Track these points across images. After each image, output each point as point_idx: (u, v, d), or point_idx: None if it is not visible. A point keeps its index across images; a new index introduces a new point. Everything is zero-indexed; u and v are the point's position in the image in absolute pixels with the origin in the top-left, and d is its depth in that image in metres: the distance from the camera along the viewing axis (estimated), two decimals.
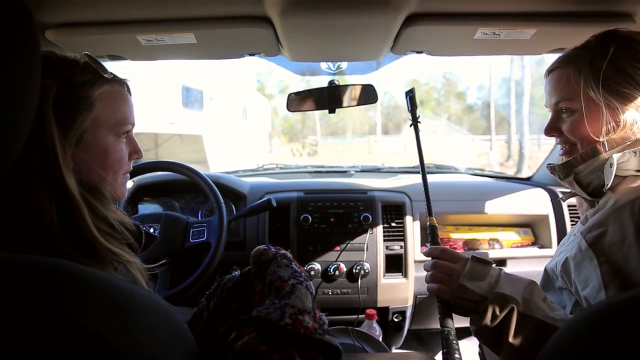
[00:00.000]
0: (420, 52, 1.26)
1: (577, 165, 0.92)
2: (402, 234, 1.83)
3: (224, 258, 1.43)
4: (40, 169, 0.68)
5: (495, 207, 1.93)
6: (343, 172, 2.45)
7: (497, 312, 0.83)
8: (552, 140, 1.01)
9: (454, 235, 1.91)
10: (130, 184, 1.75)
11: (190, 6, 0.98)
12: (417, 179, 2.15)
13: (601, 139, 0.88)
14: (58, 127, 0.70)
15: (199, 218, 1.87)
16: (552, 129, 0.98)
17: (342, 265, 1.73)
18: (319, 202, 1.83)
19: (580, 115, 0.90)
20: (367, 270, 1.73)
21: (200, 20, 1.03)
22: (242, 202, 1.93)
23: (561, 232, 1.87)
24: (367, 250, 1.77)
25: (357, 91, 1.53)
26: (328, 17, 0.99)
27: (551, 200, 1.93)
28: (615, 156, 0.85)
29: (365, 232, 1.79)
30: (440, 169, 2.56)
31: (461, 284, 0.87)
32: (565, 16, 1.03)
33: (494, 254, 1.86)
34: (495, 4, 0.99)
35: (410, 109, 1.25)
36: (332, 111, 1.54)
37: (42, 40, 1.06)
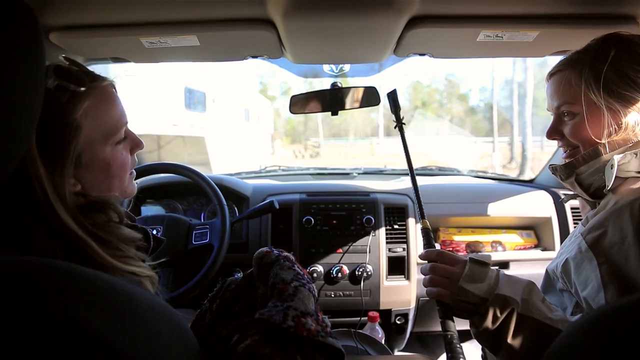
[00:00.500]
0: (423, 55, 1.26)
1: (578, 167, 0.92)
2: (404, 236, 1.82)
3: (226, 260, 1.43)
4: (35, 214, 0.65)
5: (498, 210, 1.93)
6: (345, 174, 2.44)
7: (498, 314, 0.83)
8: (555, 142, 1.01)
9: (456, 238, 1.91)
10: None
11: (194, 9, 0.98)
12: (420, 180, 2.12)
13: (603, 141, 0.88)
14: (47, 164, 0.67)
15: (202, 220, 1.87)
16: (553, 133, 0.98)
17: (345, 268, 1.73)
18: (321, 204, 1.83)
19: (582, 119, 0.90)
20: (369, 273, 1.73)
21: (203, 22, 1.04)
22: (245, 204, 1.93)
23: (564, 235, 1.87)
24: (369, 252, 1.77)
25: (359, 93, 1.53)
26: (331, 20, 0.99)
27: (554, 203, 1.92)
28: (616, 157, 0.85)
29: (368, 234, 1.79)
30: (442, 171, 2.55)
31: (461, 287, 0.87)
32: (568, 19, 1.03)
33: (496, 256, 1.85)
34: (498, 6, 0.99)
35: (393, 110, 1.24)
36: (334, 113, 1.54)
37: (46, 43, 1.06)
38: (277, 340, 0.61)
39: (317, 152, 24.55)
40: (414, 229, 1.84)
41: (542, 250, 1.91)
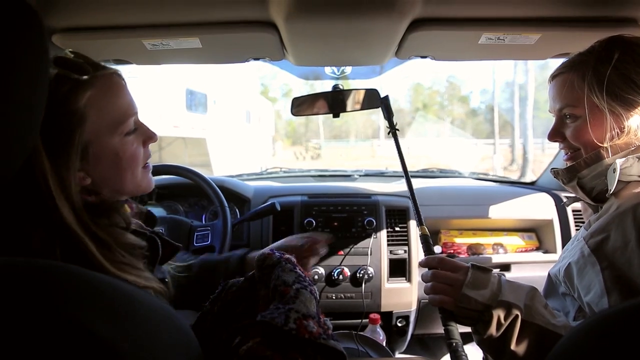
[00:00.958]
0: (425, 57, 1.26)
1: (580, 170, 0.92)
2: (406, 238, 1.82)
3: None
4: (37, 210, 0.65)
5: (499, 212, 1.92)
6: (347, 176, 2.44)
7: (502, 320, 0.82)
8: (556, 145, 1.01)
9: (458, 240, 1.91)
10: None
11: (196, 11, 0.98)
12: (421, 183, 2.14)
13: (605, 145, 0.88)
14: (51, 157, 0.66)
15: (203, 222, 1.87)
16: (555, 135, 0.98)
17: (346, 270, 1.73)
18: (322, 206, 1.83)
19: (584, 121, 0.90)
20: (370, 275, 1.73)
21: (205, 25, 1.04)
22: (246, 206, 1.93)
23: (566, 237, 1.86)
24: (371, 254, 1.76)
25: (360, 95, 1.53)
26: (333, 22, 1.00)
27: (555, 205, 1.92)
28: (619, 161, 0.84)
29: (369, 236, 1.79)
30: (443, 174, 2.55)
31: (464, 294, 0.86)
32: (570, 21, 1.03)
33: (498, 258, 1.85)
34: (500, 9, 0.99)
35: (386, 116, 1.25)
36: (336, 115, 1.54)
37: (49, 45, 1.07)
38: (279, 343, 0.61)
39: (318, 154, 24.56)
40: (415, 231, 1.83)
41: (544, 252, 1.90)
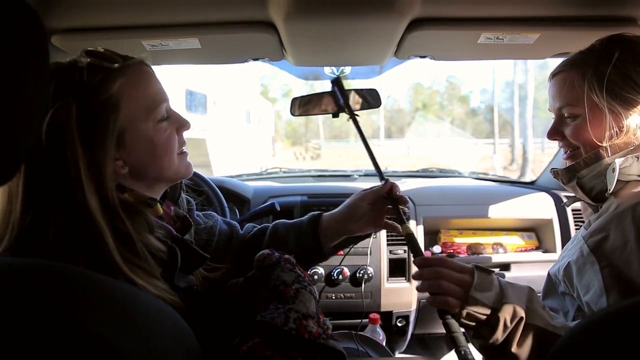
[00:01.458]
0: (424, 57, 1.26)
1: (580, 170, 0.92)
2: None
3: None
4: (62, 195, 0.66)
5: (499, 211, 1.92)
6: (346, 176, 2.44)
7: (508, 323, 0.79)
8: (556, 144, 1.01)
9: (457, 240, 1.91)
10: None
11: (195, 11, 0.99)
12: (420, 183, 2.14)
13: (604, 144, 0.88)
14: (85, 144, 0.68)
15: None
16: (554, 133, 0.98)
17: (346, 270, 1.73)
18: (322, 206, 1.83)
19: (584, 120, 0.89)
20: (370, 275, 1.73)
21: (204, 25, 1.04)
22: (246, 206, 1.92)
23: (565, 237, 1.87)
24: (370, 254, 1.76)
25: (360, 95, 1.53)
26: (332, 22, 1.00)
27: (555, 205, 1.92)
28: (618, 161, 0.84)
29: (369, 236, 1.78)
30: (443, 173, 2.55)
31: (472, 297, 0.80)
32: (569, 21, 1.03)
33: (497, 258, 1.85)
34: (499, 8, 0.99)
35: (342, 101, 1.20)
36: (335, 115, 1.54)
37: (48, 45, 1.07)
38: (279, 343, 0.61)
39: (318, 154, 24.56)
40: (415, 231, 1.83)
41: (543, 252, 1.90)
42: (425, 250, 1.85)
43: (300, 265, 0.83)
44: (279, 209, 1.59)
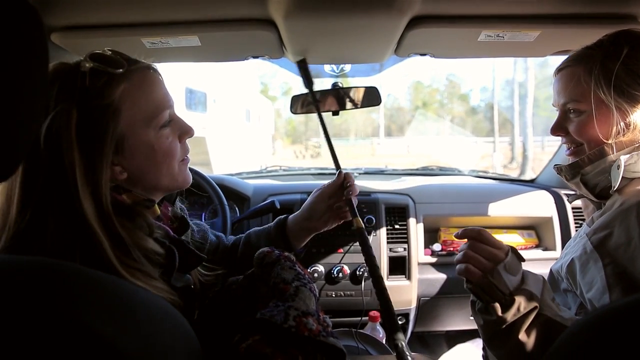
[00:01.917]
0: (424, 55, 1.26)
1: (584, 167, 0.91)
2: (405, 236, 1.82)
3: None
4: (58, 200, 0.66)
5: (499, 210, 1.93)
6: None
7: (521, 309, 0.80)
8: (556, 142, 1.01)
9: None
10: None
11: (195, 9, 0.98)
12: (420, 181, 2.14)
13: (610, 142, 0.87)
14: (83, 149, 0.67)
15: (203, 220, 1.87)
16: (558, 129, 0.97)
17: (346, 268, 1.73)
18: None
19: (589, 117, 0.89)
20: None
21: (204, 22, 1.04)
22: (246, 204, 1.93)
23: (565, 235, 1.87)
24: None
25: (360, 93, 1.53)
26: (332, 20, 0.99)
27: (555, 203, 1.92)
28: (623, 158, 0.84)
29: (369, 234, 1.79)
30: (443, 171, 2.55)
31: (498, 271, 0.81)
32: (570, 18, 1.03)
33: None
34: (499, 6, 0.99)
35: (306, 84, 1.15)
36: (335, 113, 1.54)
37: (47, 43, 1.06)
38: (279, 340, 0.61)
39: (317, 152, 24.50)
40: (415, 228, 1.84)
41: (543, 250, 1.90)
42: (425, 248, 1.85)
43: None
44: (279, 206, 1.59)
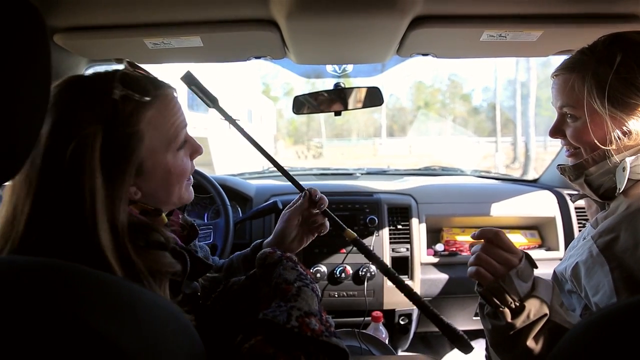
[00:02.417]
0: (426, 55, 1.26)
1: (588, 168, 0.90)
2: (408, 236, 1.82)
3: None
4: (72, 225, 0.64)
5: (502, 210, 1.92)
6: (349, 175, 2.44)
7: (531, 316, 0.79)
8: (558, 142, 1.00)
9: (459, 238, 1.90)
10: None
11: (197, 10, 0.99)
12: (423, 181, 2.14)
13: (607, 147, 0.86)
14: (106, 174, 0.66)
15: (205, 220, 1.87)
16: (556, 132, 0.97)
17: (348, 268, 1.73)
18: None
19: (584, 123, 0.88)
20: (373, 273, 1.73)
21: (206, 23, 1.04)
22: (248, 204, 1.93)
23: (568, 235, 1.86)
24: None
25: (362, 93, 1.53)
26: (334, 20, 0.99)
27: (558, 203, 1.92)
28: (629, 160, 0.83)
29: (371, 234, 1.79)
30: (446, 171, 2.55)
31: (510, 277, 0.80)
32: (572, 18, 1.03)
33: None
34: (501, 6, 0.99)
35: (201, 95, 1.07)
36: (337, 114, 1.54)
37: (50, 44, 1.07)
38: (281, 341, 0.61)
39: (319, 153, 24.49)
40: (417, 229, 1.84)
41: (546, 250, 1.90)
42: (427, 248, 1.85)
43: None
44: (281, 207, 1.59)
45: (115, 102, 0.68)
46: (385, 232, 1.81)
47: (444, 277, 1.81)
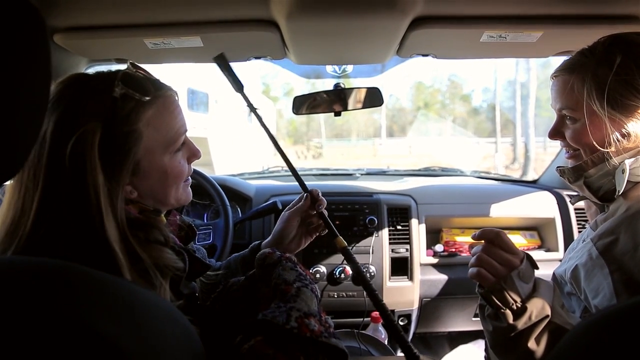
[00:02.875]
0: (426, 55, 1.26)
1: (587, 169, 0.90)
2: (407, 236, 1.82)
3: None
4: (79, 220, 0.65)
5: (501, 210, 1.92)
6: (348, 175, 2.44)
7: (533, 317, 0.78)
8: (558, 143, 1.00)
9: (459, 239, 1.90)
10: None
11: (197, 10, 0.99)
12: (422, 181, 2.14)
13: (606, 150, 0.86)
14: (105, 171, 0.67)
15: (205, 221, 1.87)
16: (555, 134, 0.96)
17: (348, 268, 1.73)
18: None
19: (584, 125, 0.88)
20: (372, 273, 1.73)
21: (206, 23, 1.04)
22: (248, 204, 1.93)
23: (568, 236, 1.86)
24: (372, 253, 1.76)
25: (362, 94, 1.53)
26: (334, 21, 1.00)
27: (557, 203, 1.92)
28: (628, 162, 0.83)
29: (371, 234, 1.79)
30: (445, 172, 2.55)
31: (511, 278, 0.80)
32: (572, 19, 1.03)
33: None
34: (502, 6, 0.99)
35: (233, 85, 0.97)
36: (337, 114, 1.54)
37: (50, 44, 1.07)
38: (281, 341, 0.61)
39: (319, 153, 24.47)
40: (417, 229, 1.84)
41: (546, 251, 1.90)
42: (427, 249, 1.85)
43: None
44: (281, 207, 1.59)
45: (115, 100, 0.70)
46: (384, 233, 1.81)
47: (444, 277, 1.81)
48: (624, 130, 0.84)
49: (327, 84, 1.56)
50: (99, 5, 0.95)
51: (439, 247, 1.87)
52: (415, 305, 1.82)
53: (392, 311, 1.81)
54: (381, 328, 1.59)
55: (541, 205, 1.93)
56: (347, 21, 1.00)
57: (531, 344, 0.79)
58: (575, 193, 1.02)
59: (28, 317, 0.34)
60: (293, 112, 1.56)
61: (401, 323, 1.85)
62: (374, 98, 1.54)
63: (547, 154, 12.94)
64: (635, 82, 0.82)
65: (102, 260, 0.65)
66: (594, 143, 0.87)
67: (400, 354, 1.91)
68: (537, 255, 1.86)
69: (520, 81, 14.76)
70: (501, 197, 1.96)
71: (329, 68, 1.52)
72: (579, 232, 1.84)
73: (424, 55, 1.26)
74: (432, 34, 1.07)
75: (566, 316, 0.81)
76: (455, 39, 1.13)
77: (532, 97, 13.21)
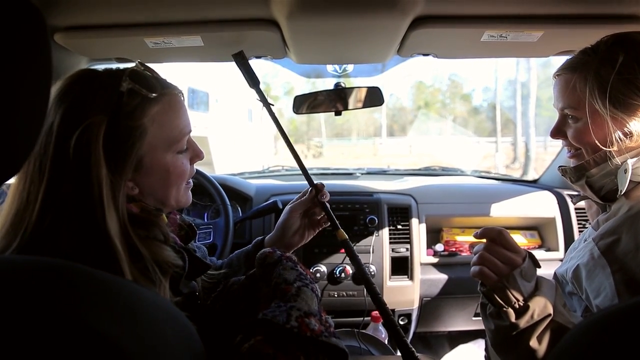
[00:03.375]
0: (427, 55, 1.26)
1: (589, 169, 0.90)
2: (408, 236, 1.82)
3: None
4: (82, 212, 0.66)
5: (502, 210, 1.92)
6: (349, 174, 2.44)
7: (535, 316, 0.79)
8: (559, 143, 1.00)
9: (459, 238, 1.91)
10: None
11: (197, 9, 0.98)
12: (423, 181, 2.14)
13: (608, 149, 0.86)
14: (109, 164, 0.68)
15: (205, 220, 1.87)
16: (557, 133, 0.96)
17: (348, 268, 1.73)
18: None
19: (586, 124, 0.88)
20: (373, 273, 1.73)
21: (207, 23, 1.04)
22: (248, 204, 1.93)
23: (568, 235, 1.86)
24: (372, 252, 1.76)
25: (363, 93, 1.53)
26: (335, 20, 0.99)
27: (558, 203, 1.92)
28: (630, 162, 0.83)
29: (371, 234, 1.79)
30: (446, 171, 2.55)
31: (514, 276, 0.80)
32: (573, 19, 1.03)
33: None
34: (502, 6, 0.99)
35: (248, 78, 1.03)
36: (338, 113, 1.54)
37: (51, 43, 1.07)
38: (281, 341, 0.61)
39: (320, 152, 24.46)
40: (417, 229, 1.84)
41: (546, 250, 1.90)
42: (427, 248, 1.85)
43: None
44: (281, 206, 1.59)
45: (122, 95, 0.71)
46: (385, 232, 1.81)
47: (444, 277, 1.81)
48: (626, 130, 0.84)
49: (328, 84, 1.56)
50: (99, 4, 0.95)
51: (439, 247, 1.87)
52: (416, 305, 1.82)
53: (393, 310, 1.81)
54: (381, 327, 1.59)
55: (541, 205, 1.93)
56: (348, 21, 1.00)
57: (533, 342, 0.79)
58: (576, 193, 1.02)
59: (29, 317, 0.34)
60: (293, 111, 1.56)
61: (401, 322, 1.85)
62: (374, 97, 1.54)
63: (548, 153, 12.95)
64: (638, 81, 0.82)
65: (102, 254, 0.65)
66: (596, 142, 0.87)
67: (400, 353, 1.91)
68: (537, 255, 1.84)
69: (520, 80, 14.73)
70: (501, 197, 1.96)
71: (330, 67, 1.51)
72: (580, 231, 1.84)
73: (424, 55, 1.26)
74: (432, 34, 1.07)
75: (568, 315, 0.81)
76: (456, 39, 1.12)
77: (533, 96, 13.20)
